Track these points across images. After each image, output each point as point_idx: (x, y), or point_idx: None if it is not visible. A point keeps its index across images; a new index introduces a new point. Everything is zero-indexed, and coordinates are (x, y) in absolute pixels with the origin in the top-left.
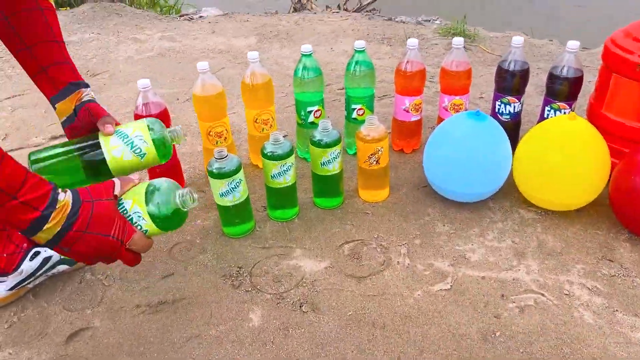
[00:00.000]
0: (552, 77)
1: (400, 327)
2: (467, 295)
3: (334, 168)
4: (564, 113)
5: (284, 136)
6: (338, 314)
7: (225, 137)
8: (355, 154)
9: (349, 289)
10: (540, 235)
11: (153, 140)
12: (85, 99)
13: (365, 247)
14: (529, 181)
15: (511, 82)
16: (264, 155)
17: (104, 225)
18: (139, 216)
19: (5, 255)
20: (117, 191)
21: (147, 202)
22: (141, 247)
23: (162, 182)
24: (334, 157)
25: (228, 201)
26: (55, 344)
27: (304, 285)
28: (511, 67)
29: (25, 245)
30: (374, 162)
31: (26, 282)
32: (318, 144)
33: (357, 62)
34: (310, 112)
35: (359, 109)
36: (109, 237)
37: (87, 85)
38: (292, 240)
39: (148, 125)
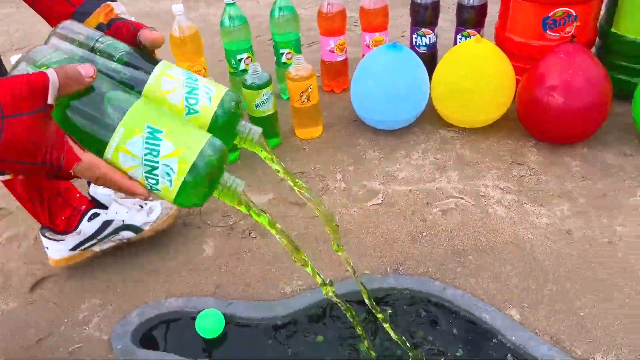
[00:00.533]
0: (461, 7)
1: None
2: (396, 207)
3: (267, 109)
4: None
5: None
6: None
7: (204, 76)
8: (288, 97)
9: (292, 214)
10: (458, 150)
11: (221, 103)
12: (121, 16)
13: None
14: (445, 103)
15: (424, 15)
16: (247, 87)
17: (24, 152)
18: (168, 173)
19: (63, 218)
20: (51, 97)
21: (190, 171)
22: (89, 178)
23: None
24: (267, 98)
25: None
26: (20, 294)
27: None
28: (423, 1)
29: (83, 207)
30: (305, 100)
31: (89, 244)
32: (250, 87)
33: (280, 8)
34: (240, 59)
35: (287, 53)
36: (36, 164)
37: None
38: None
39: (227, 92)
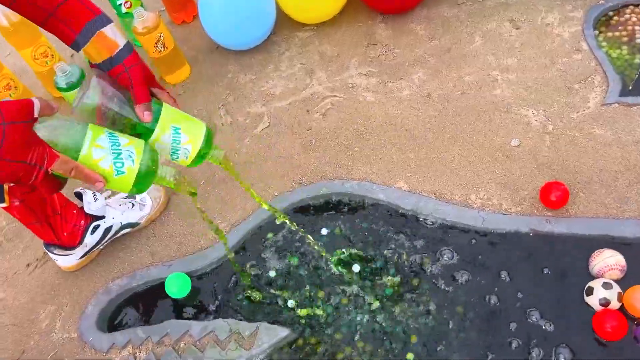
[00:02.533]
0: None
1: (243, 174)
2: (282, 124)
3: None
4: None
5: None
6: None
7: (52, 55)
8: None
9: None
10: (318, 47)
11: (141, 162)
12: (121, 54)
13: None
14: (291, 4)
15: None
16: (62, 90)
17: (19, 152)
18: (130, 156)
19: (65, 234)
20: (36, 112)
21: (144, 152)
22: (64, 172)
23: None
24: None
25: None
26: None
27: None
28: None
29: (82, 222)
30: (162, 48)
31: (95, 249)
32: (67, 89)
33: None
34: (120, 4)
35: (126, 3)
36: (25, 163)
37: (106, 21)
38: None
39: (145, 151)
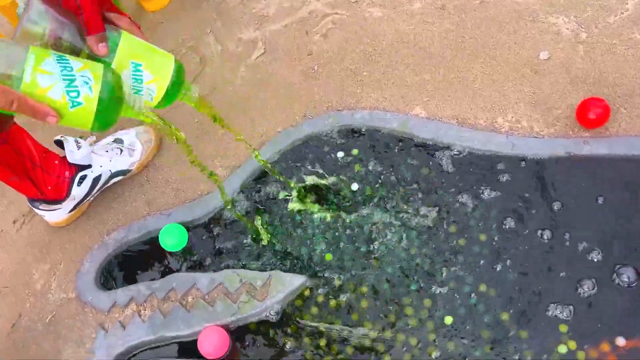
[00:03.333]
0: None
1: (242, 113)
2: (280, 50)
3: None
4: None
5: None
6: (189, 125)
7: None
8: None
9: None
10: None
11: (102, 90)
12: None
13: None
14: None
15: None
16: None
17: None
18: (86, 82)
19: (49, 187)
20: None
21: (104, 76)
22: (3, 106)
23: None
24: None
25: None
26: None
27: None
28: None
29: (67, 173)
30: None
31: (85, 201)
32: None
33: None
34: None
35: None
36: None
37: None
38: None
39: (105, 75)
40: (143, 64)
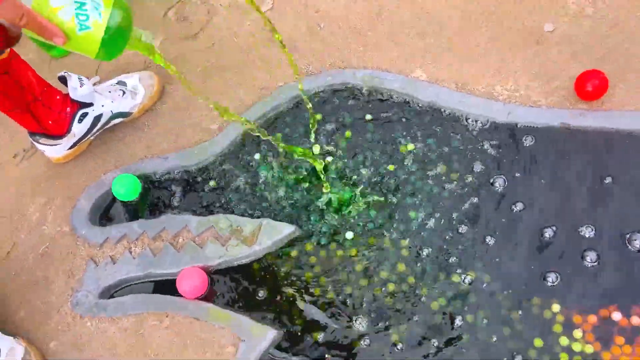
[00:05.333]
0: None
1: (244, 65)
2: (287, 5)
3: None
4: None
5: None
6: (191, 73)
7: None
8: None
9: (189, 48)
10: None
11: (111, 17)
12: None
13: (186, 5)
14: None
15: None
16: None
17: None
18: (96, 8)
19: (50, 122)
20: None
21: (114, 4)
22: (12, 19)
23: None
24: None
25: None
26: None
27: (150, 65)
28: None
29: (68, 109)
30: None
31: (85, 139)
32: None
33: None
34: None
35: None
36: None
37: None
38: None
39: (115, 3)
40: None
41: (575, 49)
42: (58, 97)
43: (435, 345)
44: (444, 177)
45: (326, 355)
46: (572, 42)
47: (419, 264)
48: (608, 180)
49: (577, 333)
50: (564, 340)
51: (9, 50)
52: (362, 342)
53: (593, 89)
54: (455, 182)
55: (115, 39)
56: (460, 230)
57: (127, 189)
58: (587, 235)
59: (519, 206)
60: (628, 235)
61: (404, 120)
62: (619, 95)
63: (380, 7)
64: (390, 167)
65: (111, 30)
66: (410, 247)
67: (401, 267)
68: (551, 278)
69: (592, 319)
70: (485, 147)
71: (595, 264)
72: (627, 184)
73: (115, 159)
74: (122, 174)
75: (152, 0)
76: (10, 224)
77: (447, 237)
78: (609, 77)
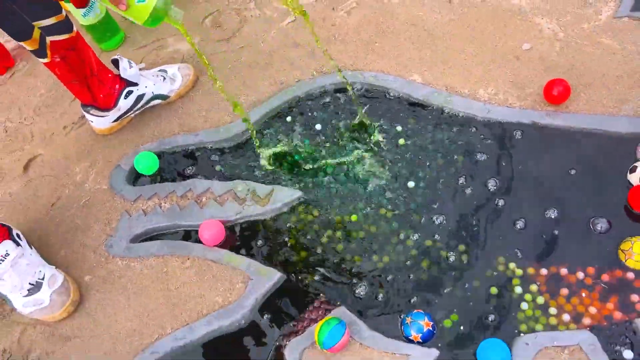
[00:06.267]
0: None
1: (268, 60)
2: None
3: (97, 14)
4: None
5: None
6: (222, 70)
7: None
8: None
9: (222, 50)
10: None
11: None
12: None
13: (222, 14)
14: None
15: None
16: None
17: None
18: None
19: (101, 95)
20: None
21: None
22: None
23: None
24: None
25: (92, 19)
26: (17, 177)
27: (187, 61)
28: None
29: (117, 86)
30: None
31: (127, 115)
32: None
33: None
34: None
35: None
36: None
37: None
38: (161, 33)
39: None
40: None
41: (547, 64)
42: (110, 75)
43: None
44: (427, 155)
45: (320, 294)
46: (545, 59)
47: (407, 221)
48: (572, 171)
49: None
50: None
51: (75, 30)
52: (355, 288)
53: (558, 94)
54: (436, 158)
55: (159, 12)
56: (434, 191)
57: (145, 164)
58: (552, 217)
59: (491, 186)
60: (591, 220)
61: (399, 112)
62: (581, 101)
63: (387, 25)
64: (376, 137)
65: (159, 6)
66: (397, 212)
67: (394, 225)
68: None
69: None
70: (466, 136)
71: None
72: (587, 174)
73: (152, 133)
74: (144, 151)
75: (194, 9)
76: (57, 181)
77: (423, 199)
78: (573, 86)
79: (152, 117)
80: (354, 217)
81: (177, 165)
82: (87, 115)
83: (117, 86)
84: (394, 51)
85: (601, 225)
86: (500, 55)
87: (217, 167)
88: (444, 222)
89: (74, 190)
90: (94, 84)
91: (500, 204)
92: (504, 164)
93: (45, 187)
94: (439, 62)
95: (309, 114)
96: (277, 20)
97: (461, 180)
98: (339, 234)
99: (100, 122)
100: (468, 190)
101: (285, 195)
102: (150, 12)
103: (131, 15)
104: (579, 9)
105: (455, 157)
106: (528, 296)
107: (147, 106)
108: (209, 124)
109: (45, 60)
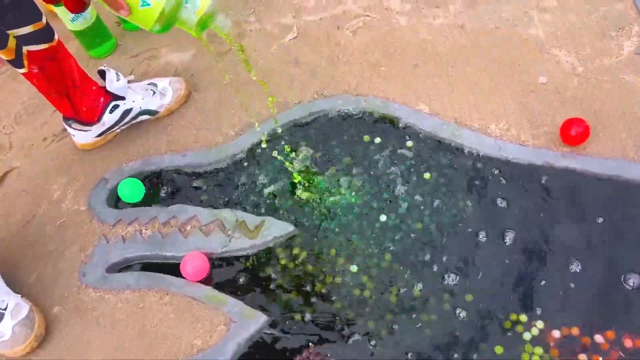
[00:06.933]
0: None
1: (266, 78)
2: (311, 36)
3: (86, 20)
4: None
5: None
6: (216, 85)
7: None
8: None
9: (217, 66)
10: None
11: (168, 1)
12: None
13: None
14: None
15: None
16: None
17: None
18: None
19: (84, 109)
20: None
21: None
22: None
23: None
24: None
25: (81, 25)
26: None
27: (180, 74)
28: None
29: (102, 99)
30: None
31: (112, 130)
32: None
33: None
34: None
35: None
36: None
37: None
38: (154, 42)
39: None
40: None
41: (564, 100)
42: (94, 87)
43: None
44: (429, 190)
45: (310, 344)
46: (562, 94)
47: (407, 266)
48: (600, 220)
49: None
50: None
51: (57, 38)
52: (346, 335)
53: (576, 134)
54: (440, 198)
55: (169, 17)
56: (438, 242)
57: (129, 192)
58: (576, 270)
59: (509, 236)
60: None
61: (401, 142)
62: (600, 143)
63: (394, 48)
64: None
65: (166, 10)
66: (396, 251)
67: (393, 265)
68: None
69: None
70: (476, 175)
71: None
72: (615, 224)
73: (137, 151)
74: (129, 178)
75: None
76: (32, 198)
77: (425, 241)
78: (591, 126)
79: (139, 133)
80: (353, 268)
81: (162, 188)
82: (69, 129)
83: (101, 99)
84: (401, 76)
85: (633, 281)
86: (514, 87)
87: (204, 194)
88: (450, 273)
89: (50, 208)
90: (75, 97)
91: (515, 255)
92: (520, 209)
93: (20, 204)
94: (448, 91)
95: (307, 139)
96: (278, 35)
97: (470, 228)
98: (335, 279)
99: (82, 136)
100: (480, 238)
101: (277, 229)
102: (157, 17)
103: (136, 20)
104: (599, 42)
105: (466, 200)
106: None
107: (134, 122)
108: (199, 143)
109: (23, 70)
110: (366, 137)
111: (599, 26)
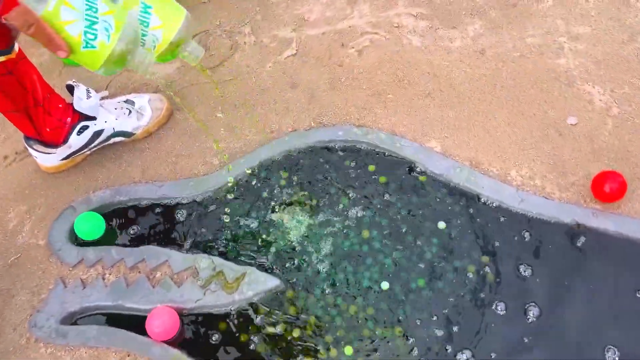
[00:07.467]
0: None
1: (259, 99)
2: (312, 54)
3: None
4: None
5: None
6: (205, 105)
7: None
8: None
9: (205, 81)
10: None
11: (119, 41)
12: None
13: (211, 37)
14: None
15: None
16: None
17: None
18: (107, 29)
19: (48, 129)
20: None
21: (124, 28)
22: (21, 25)
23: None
24: None
25: None
26: None
27: (165, 90)
28: None
29: (69, 119)
30: None
31: (80, 152)
32: None
33: None
34: None
35: None
36: None
37: None
38: None
39: (125, 27)
40: (153, 7)
41: (596, 146)
42: (60, 105)
43: None
44: (437, 239)
45: None
46: (594, 139)
47: (417, 341)
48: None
49: None
50: None
51: (17, 50)
52: None
53: (610, 191)
54: (447, 251)
55: (118, 60)
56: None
57: (86, 229)
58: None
59: (533, 312)
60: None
61: (407, 186)
62: (637, 200)
63: (404, 73)
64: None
65: (116, 52)
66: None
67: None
68: None
69: None
70: (491, 229)
71: None
72: None
73: (107, 178)
74: (87, 212)
75: None
76: None
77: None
78: (628, 181)
79: (111, 157)
80: (348, 350)
81: (132, 225)
82: (30, 150)
83: (68, 119)
84: (410, 107)
85: None
86: (540, 127)
87: (179, 233)
88: (465, 349)
89: (3, 241)
90: (37, 116)
91: (538, 336)
92: (542, 277)
93: None
94: (464, 128)
95: (302, 174)
96: (274, 51)
97: (483, 294)
98: (329, 354)
99: (46, 159)
100: (498, 311)
101: (260, 282)
102: (103, 62)
103: (79, 61)
104: (639, 80)
105: (482, 264)
106: None
107: (107, 143)
108: (178, 173)
109: None
110: (370, 168)
111: (639, 60)
